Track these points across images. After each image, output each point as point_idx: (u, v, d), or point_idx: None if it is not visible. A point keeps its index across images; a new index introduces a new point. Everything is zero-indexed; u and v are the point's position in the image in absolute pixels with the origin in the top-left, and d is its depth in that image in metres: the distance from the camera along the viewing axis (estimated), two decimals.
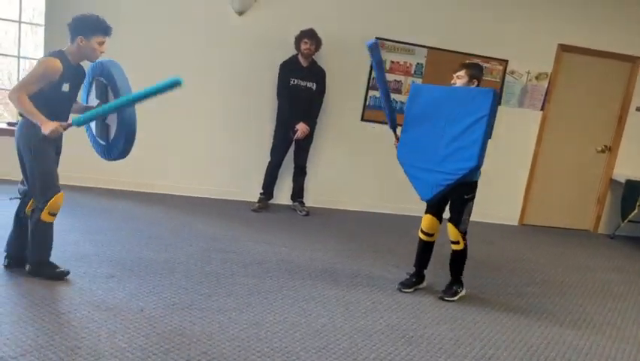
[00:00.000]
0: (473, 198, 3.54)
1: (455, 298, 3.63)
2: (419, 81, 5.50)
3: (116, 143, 3.19)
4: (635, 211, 5.71)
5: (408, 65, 5.47)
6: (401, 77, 5.48)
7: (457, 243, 3.58)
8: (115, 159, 3.30)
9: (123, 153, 3.20)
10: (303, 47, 4.89)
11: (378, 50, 3.58)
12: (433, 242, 3.69)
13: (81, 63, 3.14)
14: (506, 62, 5.63)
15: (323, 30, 5.07)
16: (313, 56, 5.01)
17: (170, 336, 2.67)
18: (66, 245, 3.62)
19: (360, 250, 4.37)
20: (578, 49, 5.72)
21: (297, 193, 5.31)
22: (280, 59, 5.04)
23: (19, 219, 3.14)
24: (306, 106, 5.02)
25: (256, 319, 2.97)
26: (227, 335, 2.76)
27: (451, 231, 3.57)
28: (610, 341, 3.34)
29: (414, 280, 3.72)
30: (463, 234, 3.58)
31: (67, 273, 3.14)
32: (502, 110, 5.67)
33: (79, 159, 5.02)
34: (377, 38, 5.29)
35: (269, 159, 5.17)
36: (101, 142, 3.32)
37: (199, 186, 5.31)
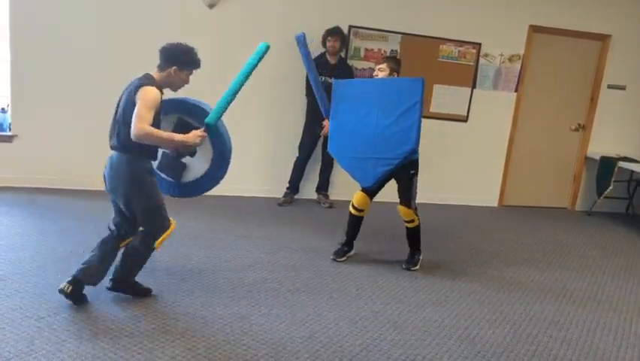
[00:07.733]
0: (417, 173, 3.74)
1: (418, 266, 3.84)
2: None
3: (213, 174, 3.10)
4: (611, 188, 5.81)
5: (382, 51, 5.46)
6: None
7: (412, 221, 3.78)
8: (193, 195, 3.20)
9: (215, 182, 3.14)
10: (328, 44, 5.08)
11: (305, 43, 3.79)
12: (363, 217, 3.89)
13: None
14: (479, 45, 5.66)
15: (295, 20, 5.02)
16: (341, 54, 5.20)
17: (153, 334, 2.65)
18: (44, 247, 3.57)
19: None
20: (549, 29, 5.78)
21: (322, 186, 5.48)
22: (251, 51, 4.95)
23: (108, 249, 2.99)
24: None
25: (241, 312, 2.96)
26: (212, 330, 2.75)
27: (404, 211, 3.76)
28: (590, 315, 3.41)
29: (345, 249, 3.94)
30: (415, 210, 3.76)
31: (150, 291, 3.07)
32: (477, 93, 5.77)
33: (68, 161, 4.97)
34: (350, 26, 5.34)
35: (297, 155, 5.30)
36: (165, 177, 3.16)
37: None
